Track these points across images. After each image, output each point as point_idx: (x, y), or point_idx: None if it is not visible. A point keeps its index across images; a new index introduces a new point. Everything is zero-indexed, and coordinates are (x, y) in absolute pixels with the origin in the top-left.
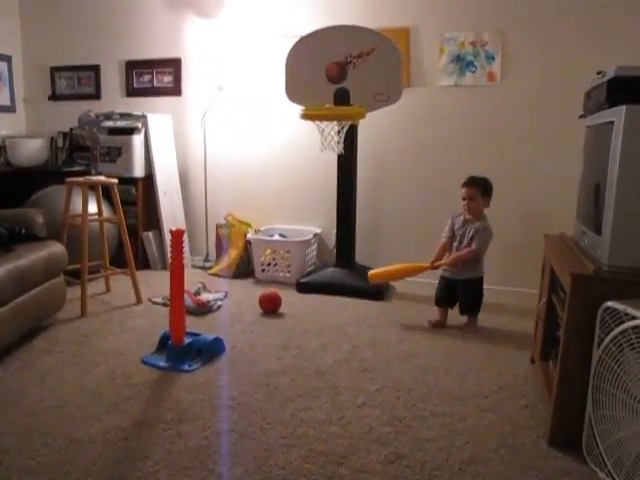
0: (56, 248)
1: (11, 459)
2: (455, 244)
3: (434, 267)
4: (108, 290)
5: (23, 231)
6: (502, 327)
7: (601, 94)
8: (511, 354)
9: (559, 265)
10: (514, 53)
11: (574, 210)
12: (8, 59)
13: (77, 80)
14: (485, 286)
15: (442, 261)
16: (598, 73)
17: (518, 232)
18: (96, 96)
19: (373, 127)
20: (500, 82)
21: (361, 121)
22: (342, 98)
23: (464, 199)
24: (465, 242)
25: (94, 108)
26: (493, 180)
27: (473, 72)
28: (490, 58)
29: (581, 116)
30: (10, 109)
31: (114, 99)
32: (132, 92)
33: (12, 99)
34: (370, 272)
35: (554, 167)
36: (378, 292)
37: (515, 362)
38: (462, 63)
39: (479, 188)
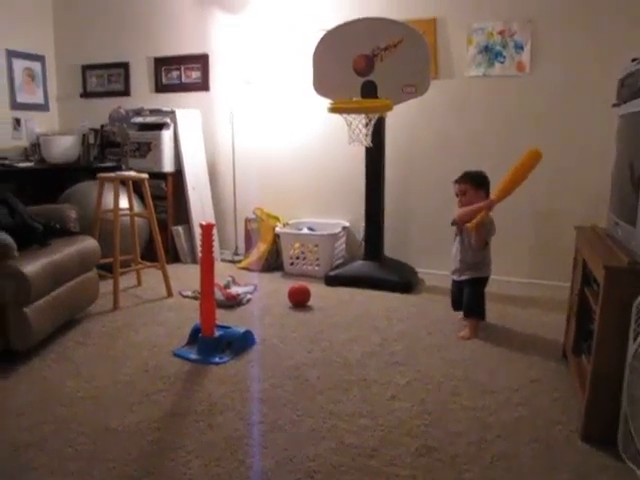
0: (89, 243)
1: (51, 446)
2: (458, 238)
3: (493, 203)
4: (139, 284)
5: (57, 226)
6: (532, 320)
7: (637, 81)
8: (542, 347)
9: (592, 258)
10: (544, 42)
11: (604, 202)
12: (42, 59)
13: (107, 78)
14: (514, 279)
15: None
16: (633, 60)
17: (546, 225)
18: (126, 93)
19: (401, 119)
20: (529, 72)
21: (389, 113)
22: (370, 91)
23: (457, 195)
24: (466, 240)
25: (124, 105)
26: None
27: (502, 62)
28: (519, 48)
29: (615, 105)
30: (44, 108)
31: (143, 96)
32: (161, 88)
33: (45, 98)
34: (537, 153)
35: (585, 158)
36: (407, 285)
37: (546, 355)
38: (490, 53)
39: (468, 182)
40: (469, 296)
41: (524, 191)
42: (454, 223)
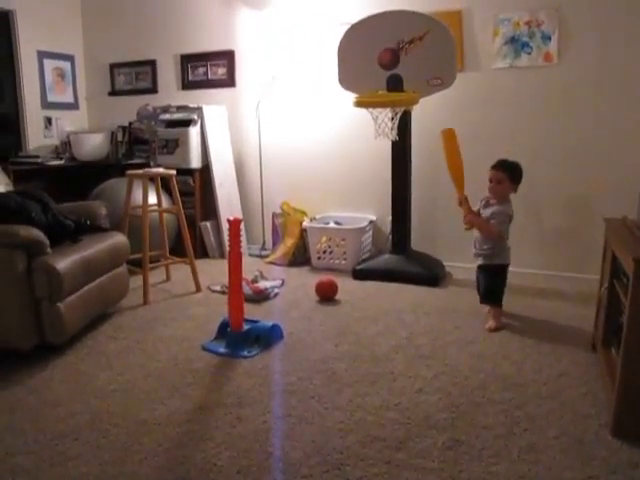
0: (119, 238)
1: (85, 437)
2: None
3: (460, 199)
4: (168, 279)
5: (88, 222)
6: (561, 313)
7: None
8: (570, 340)
9: (621, 250)
10: (572, 32)
11: (635, 193)
12: (71, 58)
13: (135, 75)
14: (541, 271)
15: (469, 211)
16: None
17: (576, 216)
18: (153, 90)
19: (427, 112)
20: (557, 63)
21: (415, 107)
22: (395, 84)
23: (491, 181)
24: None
25: (151, 102)
26: (548, 163)
27: (529, 53)
28: (546, 38)
29: None
30: (74, 106)
31: (170, 93)
32: (188, 85)
33: (75, 97)
34: (448, 130)
35: (616, 148)
36: (434, 278)
37: (575, 349)
38: (517, 44)
39: (507, 172)
40: (483, 283)
41: (553, 181)
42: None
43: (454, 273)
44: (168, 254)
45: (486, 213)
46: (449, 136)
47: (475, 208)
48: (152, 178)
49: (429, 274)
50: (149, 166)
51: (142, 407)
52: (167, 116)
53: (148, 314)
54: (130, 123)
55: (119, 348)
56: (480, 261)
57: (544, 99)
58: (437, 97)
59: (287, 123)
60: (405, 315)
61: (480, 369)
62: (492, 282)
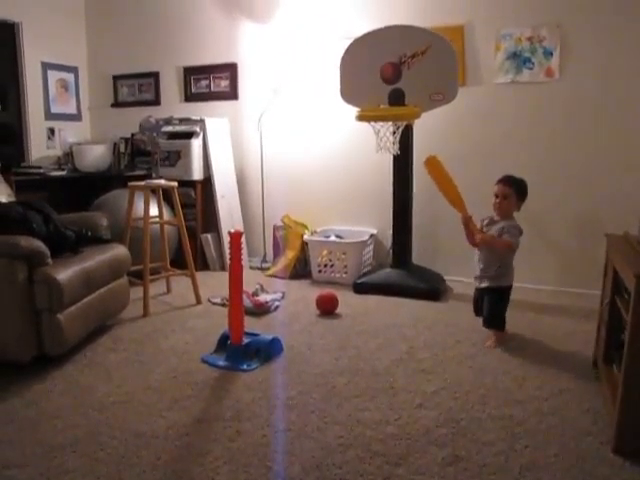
0: (120, 250)
1: (83, 449)
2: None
3: (466, 219)
4: (169, 291)
5: (89, 234)
6: (562, 329)
7: None
8: (572, 357)
9: (622, 266)
10: (573, 47)
11: (636, 209)
12: (75, 70)
13: (138, 87)
14: (544, 287)
15: (478, 230)
16: None
17: (577, 232)
18: (156, 102)
19: (429, 127)
20: (559, 78)
21: (417, 121)
22: (397, 98)
23: (496, 196)
24: (484, 249)
25: (154, 114)
26: (551, 179)
27: (530, 69)
28: (548, 54)
29: None
30: (77, 117)
31: (173, 104)
32: (190, 97)
33: (78, 108)
34: (431, 158)
35: (617, 164)
36: (435, 293)
37: (576, 365)
38: (519, 60)
39: (514, 187)
40: (487, 306)
41: (556, 197)
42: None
43: (455, 287)
44: (169, 266)
45: (492, 231)
46: (433, 164)
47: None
48: (154, 190)
49: (430, 288)
50: (151, 178)
51: (141, 420)
52: (169, 128)
53: (148, 326)
54: (132, 134)
55: (118, 360)
56: (485, 283)
57: (546, 114)
58: (439, 111)
59: (289, 136)
60: (406, 329)
61: (481, 384)
62: (497, 305)
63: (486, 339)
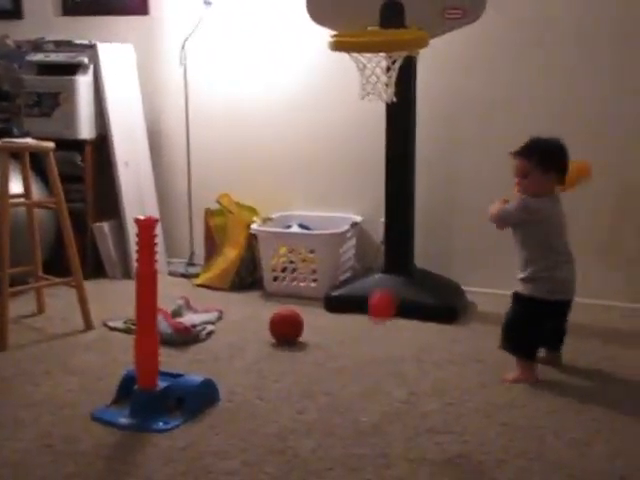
0: None
1: None
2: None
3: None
4: (41, 310)
5: None
6: None
7: None
8: None
9: None
10: None
11: None
12: None
13: None
14: (614, 303)
15: None
16: None
17: None
18: (15, 14)
19: (441, 61)
20: None
21: (422, 52)
22: (393, 16)
23: (516, 175)
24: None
25: (12, 33)
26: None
27: None
28: None
29: None
30: None
31: (44, 19)
32: (72, 8)
33: None
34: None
35: None
36: (449, 311)
37: None
38: None
39: (533, 158)
40: (505, 317)
41: (615, 181)
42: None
43: (479, 303)
44: (41, 272)
45: None
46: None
47: None
48: (15, 154)
49: (441, 305)
50: (11, 135)
51: None
52: (40, 57)
53: (5, 366)
54: None
55: None
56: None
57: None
58: (457, 37)
59: (228, 73)
60: (405, 366)
61: (519, 451)
62: (515, 319)
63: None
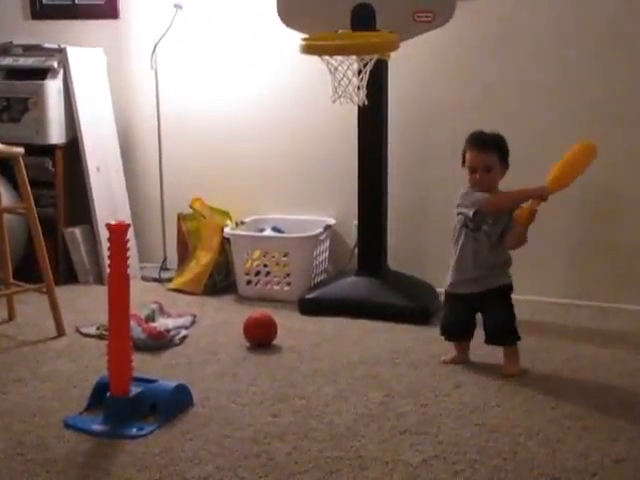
0: None
1: None
2: (471, 235)
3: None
4: (12, 317)
5: None
6: (615, 366)
7: None
8: (631, 409)
9: None
10: None
11: None
12: None
13: None
14: (584, 302)
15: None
16: None
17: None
18: None
19: (412, 63)
20: None
21: (393, 55)
22: (364, 19)
23: (474, 171)
24: (493, 236)
25: None
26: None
27: None
28: None
29: None
30: None
31: (12, 23)
32: (41, 12)
33: None
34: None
35: None
36: (423, 313)
37: (636, 420)
38: None
39: (495, 151)
40: (504, 312)
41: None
42: (477, 214)
43: None
44: (11, 278)
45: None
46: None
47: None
48: None
49: (415, 306)
50: None
51: None
52: (8, 61)
53: None
54: None
55: None
56: (493, 283)
57: (595, 36)
58: (427, 39)
59: (200, 76)
60: (379, 368)
61: (493, 451)
62: (509, 310)
63: (506, 366)
